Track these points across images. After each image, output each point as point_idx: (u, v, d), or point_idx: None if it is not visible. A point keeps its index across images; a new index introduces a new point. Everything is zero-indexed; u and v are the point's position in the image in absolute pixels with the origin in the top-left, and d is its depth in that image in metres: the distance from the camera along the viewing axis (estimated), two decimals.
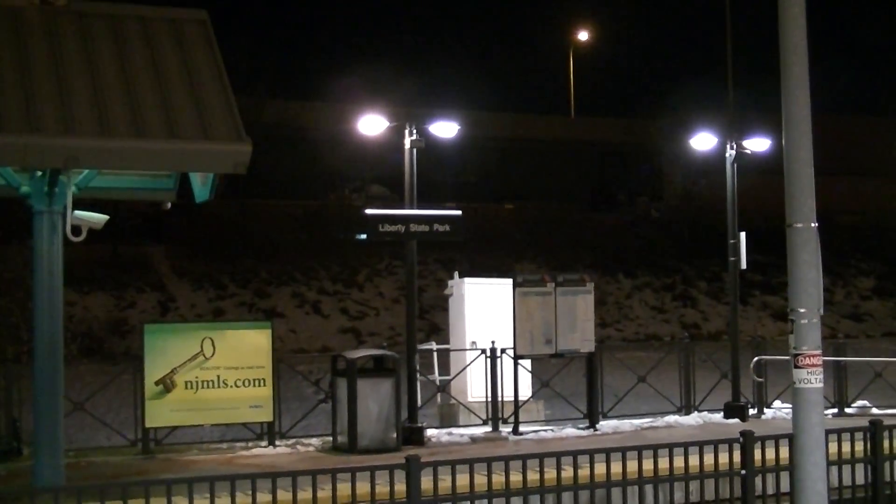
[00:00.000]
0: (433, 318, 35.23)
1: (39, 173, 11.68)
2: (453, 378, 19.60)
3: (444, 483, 10.74)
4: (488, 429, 18.34)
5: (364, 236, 17.61)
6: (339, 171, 44.57)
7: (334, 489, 10.30)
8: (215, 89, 11.82)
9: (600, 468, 11.43)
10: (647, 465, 11.62)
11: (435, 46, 70.36)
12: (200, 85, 11.84)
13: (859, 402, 20.37)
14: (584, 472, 11.34)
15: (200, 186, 13.11)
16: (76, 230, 11.96)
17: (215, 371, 16.45)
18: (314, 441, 17.29)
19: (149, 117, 11.31)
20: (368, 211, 17.63)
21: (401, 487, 10.43)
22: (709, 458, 12.01)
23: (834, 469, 12.45)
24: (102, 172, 12.34)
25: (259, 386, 16.69)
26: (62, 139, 10.87)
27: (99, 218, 12.83)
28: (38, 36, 11.78)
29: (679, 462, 11.81)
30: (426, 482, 10.52)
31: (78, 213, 12.13)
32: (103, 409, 17.75)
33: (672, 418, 19.40)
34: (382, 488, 10.49)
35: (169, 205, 14.05)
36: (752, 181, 26.71)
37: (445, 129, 18.90)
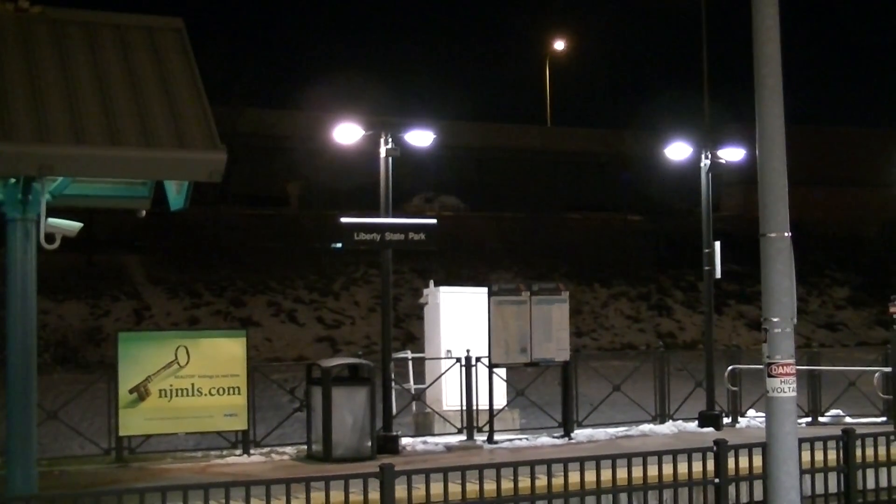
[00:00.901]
0: (409, 327, 35.22)
1: (13, 181, 11.62)
2: (428, 387, 19.60)
3: (419, 492, 10.75)
4: (463, 437, 18.34)
5: (339, 245, 17.61)
6: (317, 180, 44.55)
7: (308, 498, 10.30)
8: (190, 97, 11.78)
9: (574, 477, 11.45)
10: (622, 473, 11.65)
11: (412, 56, 70.57)
12: (176, 93, 11.80)
13: (833, 411, 20.44)
14: (558, 481, 11.38)
15: (175, 194, 13.06)
16: (50, 238, 11.91)
17: (190, 379, 16.41)
18: (289, 450, 17.26)
19: (123, 125, 11.27)
20: (344, 219, 17.61)
21: (375, 496, 10.44)
22: (683, 467, 12.06)
23: (807, 478, 12.54)
24: (77, 180, 12.30)
25: (234, 394, 16.66)
26: (36, 147, 10.81)
27: (73, 226, 12.79)
28: (11, 43, 11.72)
29: (653, 471, 11.85)
30: (400, 491, 10.52)
31: (52, 220, 12.08)
32: (77, 418, 17.69)
33: (647, 427, 19.45)
34: (357, 497, 10.50)
35: (144, 213, 14.01)
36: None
37: (421, 137, 18.92)
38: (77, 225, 12.87)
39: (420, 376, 20.40)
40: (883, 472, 13.58)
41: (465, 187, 50.73)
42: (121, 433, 16.20)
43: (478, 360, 18.56)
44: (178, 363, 16.35)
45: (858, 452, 13.13)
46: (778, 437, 10.78)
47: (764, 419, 11.34)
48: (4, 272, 11.88)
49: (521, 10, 77.14)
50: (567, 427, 18.64)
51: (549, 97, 64.85)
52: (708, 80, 49.29)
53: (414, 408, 19.89)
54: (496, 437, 18.05)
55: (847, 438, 13.05)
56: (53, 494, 11.70)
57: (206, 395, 16.46)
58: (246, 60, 44.47)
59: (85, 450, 17.12)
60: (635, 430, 19.26)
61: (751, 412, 20.48)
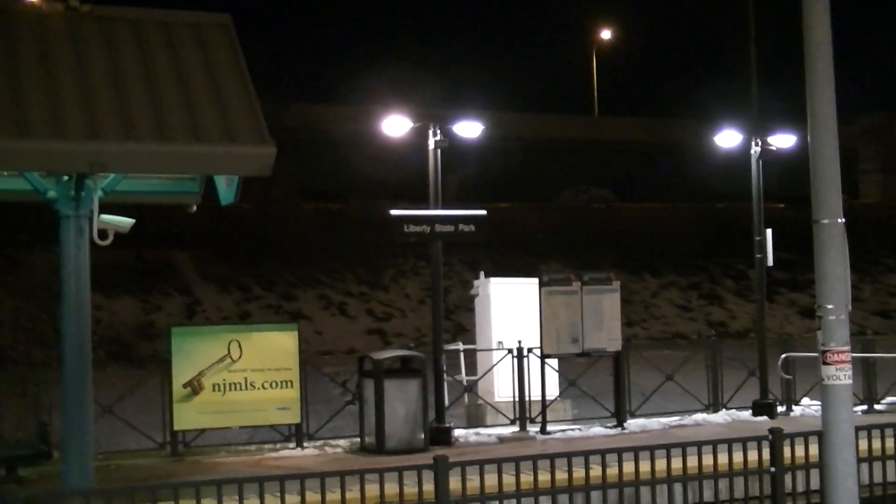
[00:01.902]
0: (459, 319, 35.21)
1: (66, 178, 11.72)
2: (480, 378, 19.59)
3: (473, 483, 10.74)
4: (516, 428, 18.31)
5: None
6: (362, 172, 44.61)
7: (363, 490, 10.32)
8: (239, 92, 11.82)
9: (629, 467, 11.40)
10: (676, 463, 11.59)
11: (457, 47, 70.48)
12: (224, 88, 11.84)
13: (889, 399, 20.26)
14: (612, 471, 11.33)
15: (225, 189, 13.12)
16: (103, 234, 11.99)
17: (242, 373, 16.49)
18: (342, 442, 17.31)
19: (173, 121, 11.32)
20: (393, 212, 17.60)
21: (429, 488, 10.44)
22: (738, 456, 11.97)
23: (864, 466, 12.39)
24: (128, 176, 12.38)
25: (286, 388, 16.72)
26: (87, 144, 10.89)
27: (125, 222, 12.85)
28: (62, 42, 11.80)
29: (708, 460, 11.78)
30: (454, 482, 10.52)
31: (104, 216, 12.15)
32: (131, 413, 17.79)
33: (700, 416, 19.35)
34: (410, 489, 10.51)
35: (194, 208, 14.06)
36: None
37: (469, 128, 18.86)
38: (129, 221, 12.93)
39: (471, 368, 20.40)
40: None
41: (510, 178, 50.69)
42: (175, 427, 16.30)
43: (529, 350, 18.53)
44: (231, 357, 16.43)
45: None
46: (834, 425, 10.67)
47: (819, 407, 11.23)
48: (58, 269, 11.98)
49: None
50: (620, 417, 18.56)
51: (596, 86, 64.60)
52: (756, 66, 48.84)
53: (466, 399, 19.89)
54: (549, 427, 18.01)
55: None
56: (110, 488, 11.78)
57: (258, 388, 16.53)
58: (291, 54, 44.71)
59: (140, 444, 17.24)
60: (688, 419, 19.15)
61: (805, 400, 20.32)
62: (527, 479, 10.97)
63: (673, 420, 19.05)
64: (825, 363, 10.62)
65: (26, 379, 16.54)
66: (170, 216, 34.48)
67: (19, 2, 12.82)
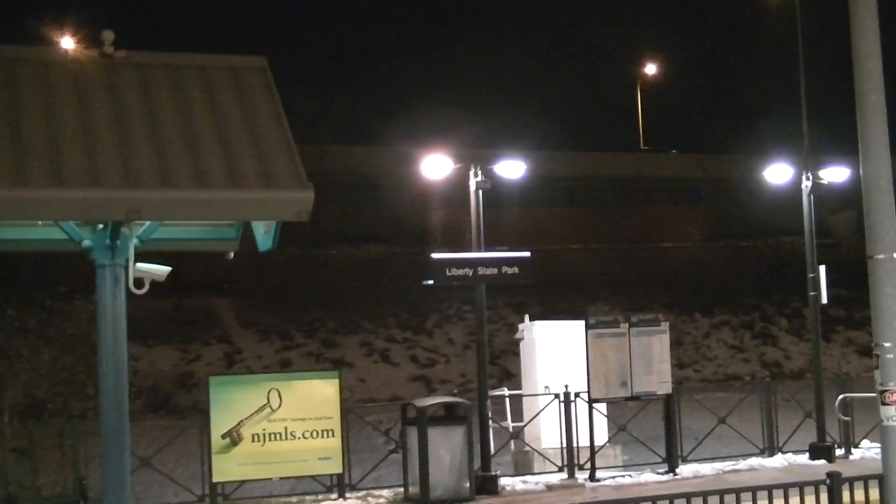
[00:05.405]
0: (505, 364, 34.84)
1: (101, 226, 11.58)
2: (527, 424, 19.27)
3: None
4: (564, 475, 18.00)
5: (431, 282, 17.35)
6: (405, 216, 44.46)
7: None
8: (276, 136, 11.66)
9: None
10: None
11: (499, 86, 70.26)
12: (261, 132, 11.69)
13: None
14: None
15: (264, 235, 12.94)
16: (139, 283, 11.82)
17: (283, 423, 16.25)
18: (385, 493, 17.04)
19: (210, 167, 11.16)
20: (435, 255, 17.38)
21: None
22: (794, 502, 11.57)
23: None
24: (164, 224, 12.22)
25: (328, 437, 16.46)
26: (123, 191, 10.74)
27: (161, 270, 12.69)
28: (97, 89, 11.70)
29: None
30: None
31: (140, 265, 12.00)
32: (171, 465, 17.64)
33: (755, 461, 18.96)
34: None
35: (232, 255, 13.90)
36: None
37: (511, 168, 18.65)
38: (165, 269, 12.78)
39: (518, 413, 20.09)
40: None
41: (556, 218, 50.41)
42: (214, 479, 16.08)
43: (577, 395, 18.20)
44: (271, 406, 16.21)
45: None
46: (895, 469, 10.32)
47: (879, 449, 10.86)
48: (95, 319, 11.81)
49: (612, 33, 76.87)
50: (671, 462, 18.19)
51: (642, 123, 64.34)
52: (806, 99, 48.51)
53: (512, 446, 19.56)
54: (598, 474, 17.67)
55: None
56: None
57: (299, 438, 16.27)
58: (331, 97, 44.64)
59: (179, 497, 17.07)
60: (743, 464, 18.77)
61: (865, 443, 19.87)
62: None
63: (727, 465, 18.69)
64: (884, 403, 10.34)
65: (64, 432, 16.40)
66: (209, 264, 34.45)
67: (55, 50, 12.77)
